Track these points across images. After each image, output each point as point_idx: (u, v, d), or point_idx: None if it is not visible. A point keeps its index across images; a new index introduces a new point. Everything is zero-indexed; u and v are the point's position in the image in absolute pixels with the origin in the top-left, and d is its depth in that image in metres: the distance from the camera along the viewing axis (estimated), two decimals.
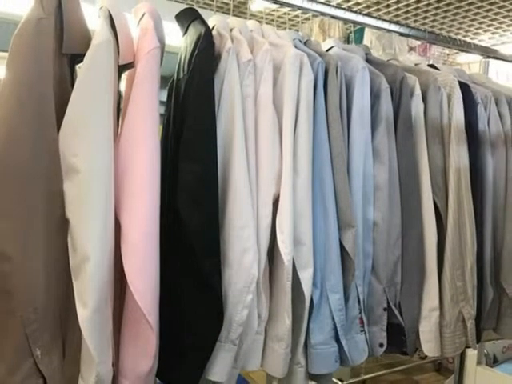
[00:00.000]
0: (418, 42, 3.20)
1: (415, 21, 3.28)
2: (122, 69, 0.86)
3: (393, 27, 1.28)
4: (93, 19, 0.85)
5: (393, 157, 1.09)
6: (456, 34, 3.49)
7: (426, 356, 2.81)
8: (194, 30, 0.91)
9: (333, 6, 1.18)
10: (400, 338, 1.12)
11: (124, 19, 0.87)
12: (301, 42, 1.09)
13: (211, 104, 0.88)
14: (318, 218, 0.97)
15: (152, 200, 0.80)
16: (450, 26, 3.37)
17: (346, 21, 1.21)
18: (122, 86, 0.91)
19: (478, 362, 2.46)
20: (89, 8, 0.88)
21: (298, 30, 1.16)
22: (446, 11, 3.07)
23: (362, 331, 1.04)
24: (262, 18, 3.13)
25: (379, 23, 1.25)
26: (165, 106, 0.98)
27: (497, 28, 3.35)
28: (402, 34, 1.31)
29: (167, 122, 0.96)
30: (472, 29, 3.39)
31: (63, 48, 0.80)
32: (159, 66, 0.84)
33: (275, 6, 3.11)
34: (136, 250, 0.78)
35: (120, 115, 0.90)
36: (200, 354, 0.88)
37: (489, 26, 3.30)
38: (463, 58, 3.88)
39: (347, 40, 3.09)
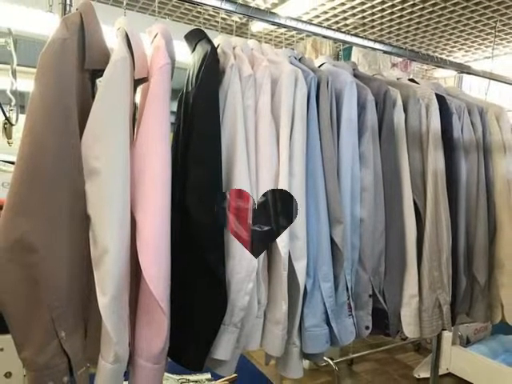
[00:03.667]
0: (400, 59, 3.20)
1: (397, 40, 3.28)
2: (137, 83, 0.86)
3: (377, 46, 1.28)
4: (111, 38, 0.85)
5: (377, 161, 1.09)
6: (433, 51, 3.49)
7: (407, 337, 2.80)
8: (201, 49, 0.91)
9: (324, 27, 1.18)
10: (384, 321, 1.12)
11: (139, 38, 0.87)
12: (296, 58, 1.09)
13: (216, 114, 0.88)
14: (311, 215, 0.97)
15: (164, 199, 0.80)
16: (428, 45, 3.37)
17: (335, 40, 1.20)
18: (138, 99, 0.91)
19: (453, 343, 2.47)
20: (108, 29, 0.88)
21: (293, 49, 1.16)
22: (424, 31, 3.07)
23: (350, 315, 1.04)
24: (261, 37, 3.13)
25: (365, 42, 1.25)
26: (175, 115, 0.98)
27: (469, 47, 3.35)
28: (385, 52, 1.31)
29: (177, 130, 0.96)
30: (447, 47, 3.39)
31: (85, 64, 0.80)
32: (170, 80, 0.84)
33: (273, 27, 3.11)
34: (150, 244, 0.78)
35: (135, 124, 0.90)
36: (206, 335, 0.88)
37: (462, 44, 3.30)
38: (440, 73, 3.89)
39: (337, 57, 3.09)
